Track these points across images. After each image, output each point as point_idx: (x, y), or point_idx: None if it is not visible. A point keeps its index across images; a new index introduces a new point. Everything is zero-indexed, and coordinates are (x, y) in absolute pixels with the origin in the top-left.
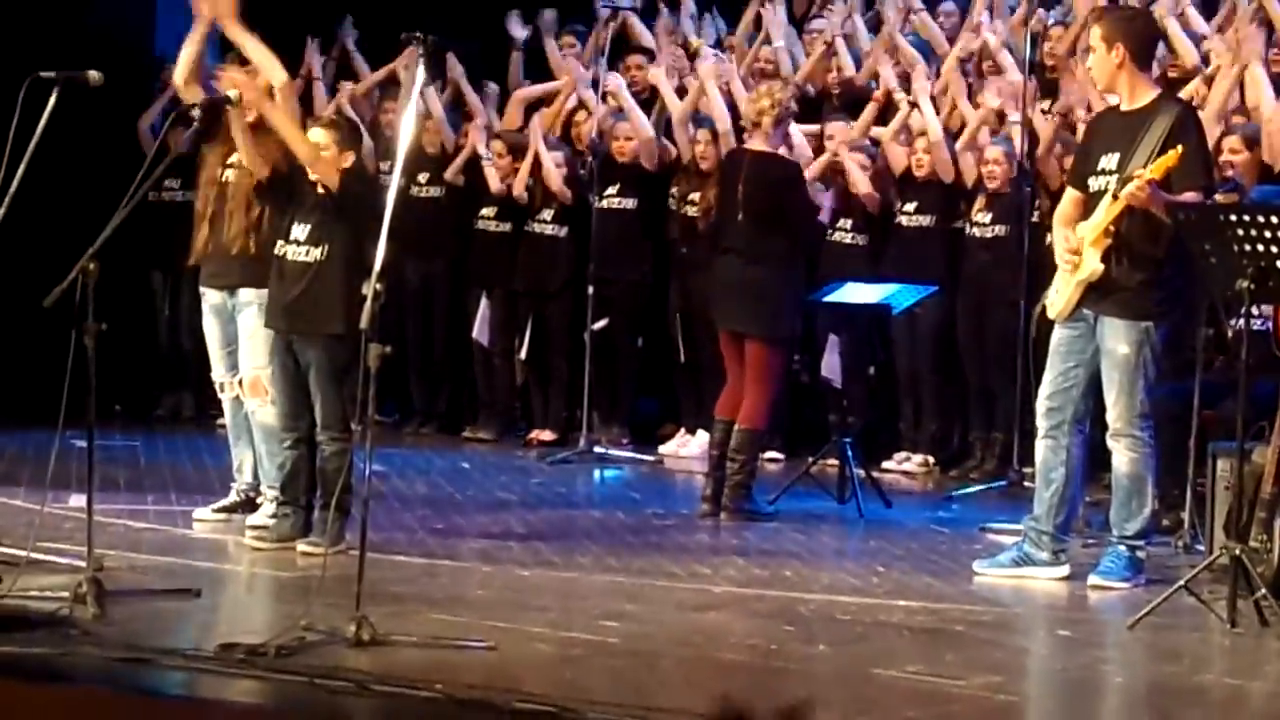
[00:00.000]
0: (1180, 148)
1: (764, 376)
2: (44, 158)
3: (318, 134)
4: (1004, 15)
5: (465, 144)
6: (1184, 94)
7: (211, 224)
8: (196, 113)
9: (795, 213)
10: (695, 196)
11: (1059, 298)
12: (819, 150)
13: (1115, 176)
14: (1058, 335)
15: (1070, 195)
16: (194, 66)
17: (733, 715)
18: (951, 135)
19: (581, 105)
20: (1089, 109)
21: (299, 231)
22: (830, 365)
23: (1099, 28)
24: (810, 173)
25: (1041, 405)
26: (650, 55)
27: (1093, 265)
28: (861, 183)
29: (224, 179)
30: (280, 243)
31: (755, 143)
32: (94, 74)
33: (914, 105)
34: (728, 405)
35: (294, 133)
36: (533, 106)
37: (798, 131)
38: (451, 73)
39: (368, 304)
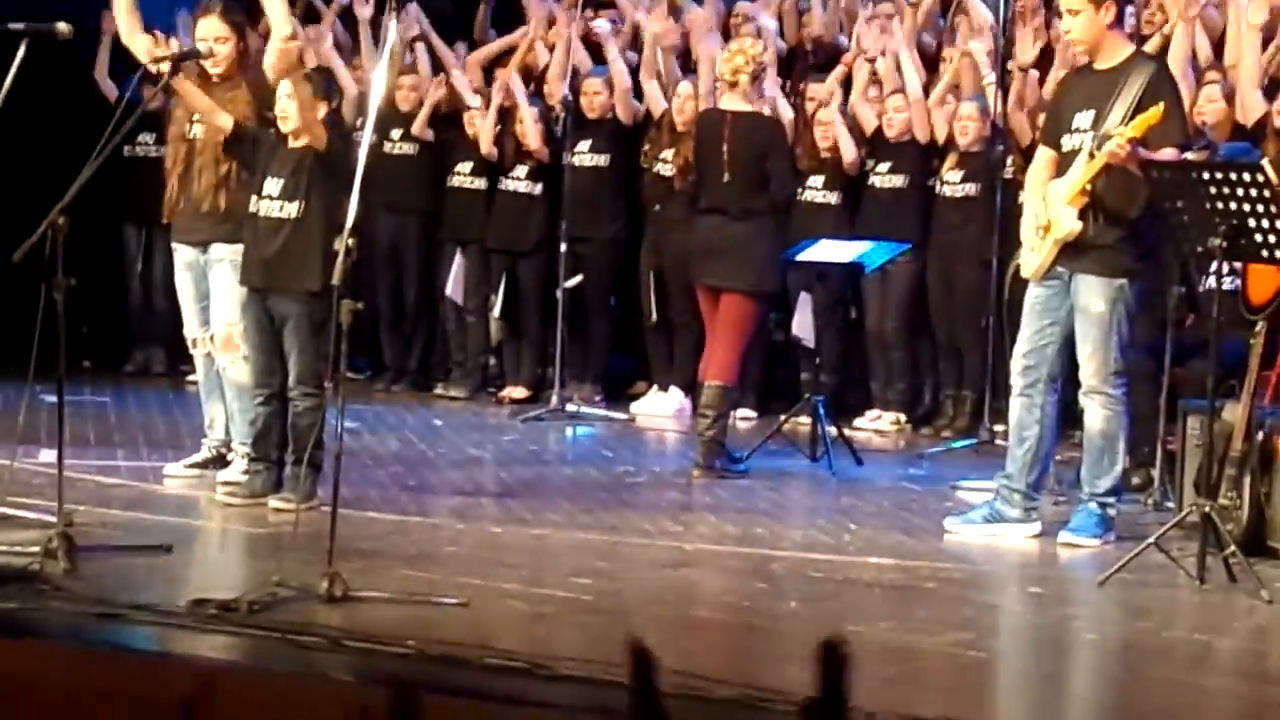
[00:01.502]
0: (1161, 105)
1: (736, 332)
2: (12, 111)
3: (288, 86)
4: None
5: (430, 98)
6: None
7: (181, 180)
8: (164, 68)
9: (779, 171)
10: (669, 154)
11: (1034, 256)
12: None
13: (1090, 134)
14: (1033, 293)
15: (1043, 154)
16: (130, 18)
17: (637, 654)
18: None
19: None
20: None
21: (272, 187)
22: (802, 324)
23: None
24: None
25: (1017, 363)
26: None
27: (1070, 224)
28: (849, 150)
29: (191, 135)
30: (254, 199)
31: (733, 101)
32: (63, 26)
33: (870, 62)
34: (708, 366)
35: (191, 93)
36: (490, 68)
37: (775, 88)
38: (420, 25)
39: (339, 260)
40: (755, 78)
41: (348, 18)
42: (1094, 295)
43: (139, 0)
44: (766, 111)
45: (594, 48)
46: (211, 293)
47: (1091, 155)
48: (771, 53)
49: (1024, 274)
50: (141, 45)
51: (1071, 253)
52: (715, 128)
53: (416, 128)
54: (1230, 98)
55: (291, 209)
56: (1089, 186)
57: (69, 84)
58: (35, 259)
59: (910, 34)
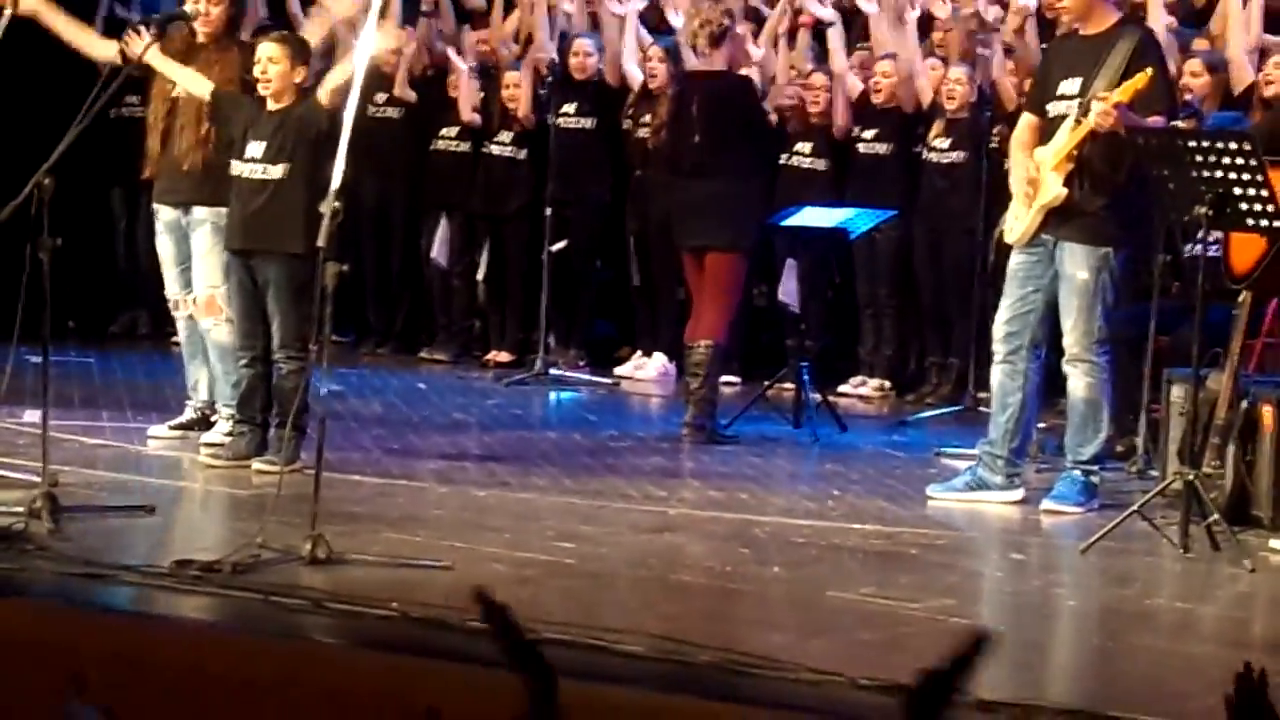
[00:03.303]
0: (1149, 71)
1: (723, 289)
2: (9, 72)
3: (267, 47)
4: None
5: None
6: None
7: (164, 138)
8: (152, 30)
9: (749, 126)
10: (648, 118)
11: (1018, 223)
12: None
13: (1076, 101)
14: (1016, 260)
15: (1027, 120)
16: (77, 35)
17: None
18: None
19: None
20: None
21: (254, 149)
22: (787, 290)
23: None
24: (787, 91)
25: (999, 330)
26: None
27: (1055, 190)
28: (841, 114)
29: (174, 94)
30: (235, 162)
31: (703, 63)
32: None
33: (827, 26)
34: (694, 330)
35: (166, 66)
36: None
37: (753, 48)
38: None
39: (325, 222)
40: (715, 39)
41: None
42: (1078, 263)
43: None
44: (745, 72)
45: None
46: (193, 255)
47: (1077, 122)
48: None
49: (1008, 239)
50: (108, 51)
51: (1056, 220)
52: (687, 91)
53: (396, 88)
54: (1213, 69)
55: (275, 171)
56: (1075, 153)
57: (59, 48)
58: (21, 220)
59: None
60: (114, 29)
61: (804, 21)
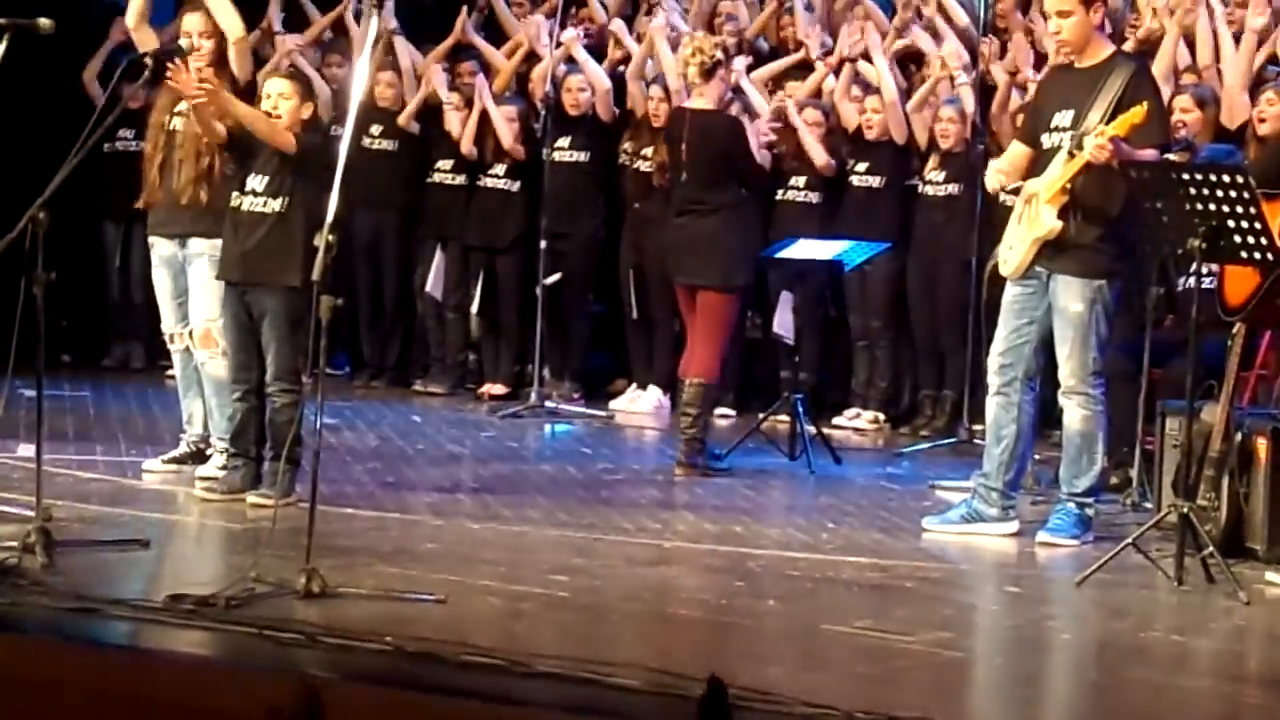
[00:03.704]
0: (1145, 105)
1: (715, 328)
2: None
3: (279, 84)
4: None
5: (421, 91)
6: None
7: (161, 170)
8: (148, 62)
9: (737, 165)
10: (649, 152)
11: (1013, 254)
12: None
13: (1070, 133)
14: (1010, 292)
15: (1018, 149)
16: (143, 8)
17: None
18: (904, 94)
19: (532, 56)
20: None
21: (256, 183)
22: (782, 322)
23: None
24: (761, 128)
25: (993, 362)
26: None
27: (1050, 223)
28: (818, 155)
29: (171, 127)
30: (236, 194)
31: (696, 100)
32: (45, 21)
33: (851, 62)
34: (688, 364)
35: (250, 113)
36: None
37: (749, 84)
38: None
39: (319, 255)
40: (706, 73)
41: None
42: (1072, 296)
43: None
44: (735, 110)
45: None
46: (190, 288)
47: (1071, 154)
48: (736, 47)
49: (1002, 271)
50: (147, 38)
51: (1050, 252)
52: (678, 127)
53: (403, 119)
54: (1203, 103)
55: (275, 204)
56: (1069, 185)
57: (54, 83)
58: (15, 253)
59: (885, 38)
60: (112, 66)
61: (828, 63)
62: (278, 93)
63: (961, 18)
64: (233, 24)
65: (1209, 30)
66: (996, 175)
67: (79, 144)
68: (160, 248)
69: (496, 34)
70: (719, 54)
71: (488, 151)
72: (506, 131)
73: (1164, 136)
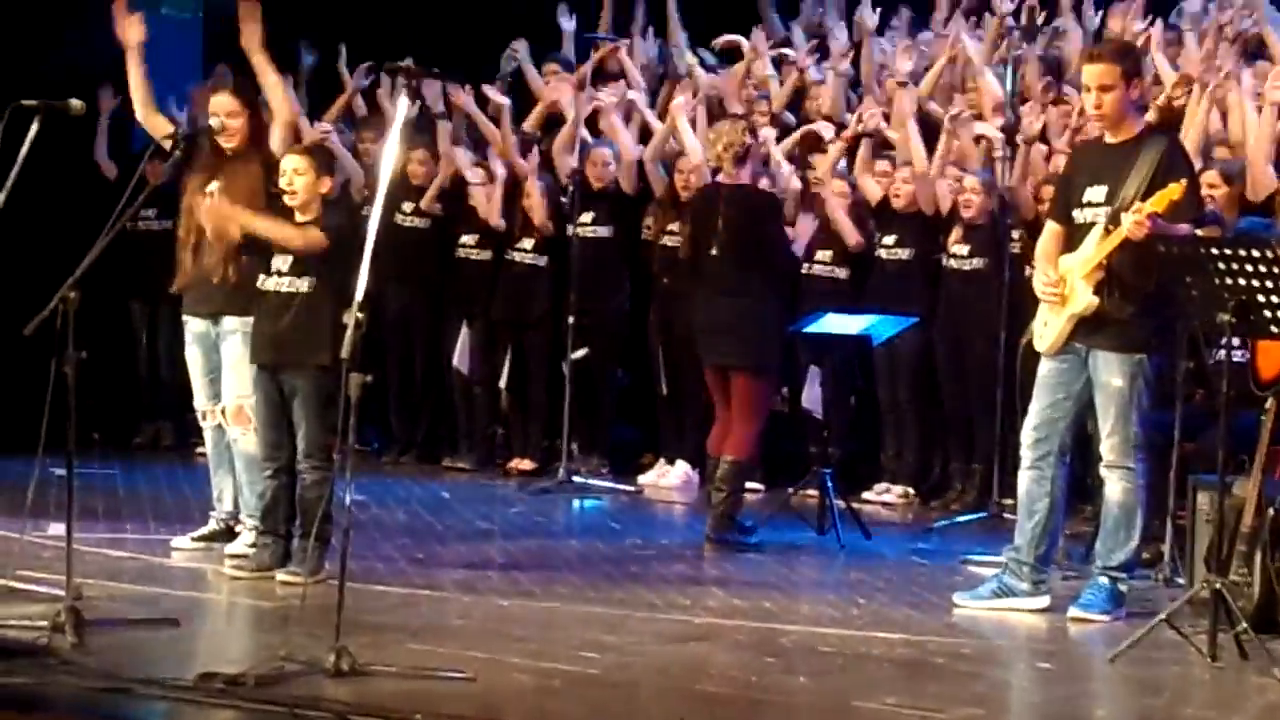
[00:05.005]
0: (1183, 181)
1: (751, 409)
2: (25, 186)
3: (294, 160)
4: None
5: (440, 175)
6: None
7: (193, 252)
8: (171, 142)
9: (771, 244)
10: (675, 227)
11: (1049, 330)
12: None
13: (1103, 209)
14: (1046, 367)
15: (1052, 229)
16: (145, 95)
17: None
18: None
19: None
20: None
21: (280, 263)
22: (811, 396)
23: (1118, 64)
24: (789, 206)
25: (1028, 436)
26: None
27: (1086, 299)
28: (850, 235)
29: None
30: (262, 276)
31: (729, 175)
32: (76, 103)
33: (869, 136)
34: (719, 442)
35: (278, 233)
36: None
37: (777, 151)
38: (456, 99)
39: (349, 333)
40: (739, 159)
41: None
42: (1113, 371)
43: (152, 75)
44: (765, 185)
45: (591, 122)
46: (223, 365)
47: (1107, 230)
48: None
49: (1037, 347)
50: (160, 125)
51: (1087, 327)
52: (711, 203)
53: (425, 203)
54: (1229, 178)
55: (301, 284)
56: (1105, 261)
57: (71, 161)
58: (46, 332)
59: (913, 106)
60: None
61: (845, 137)
62: (292, 169)
63: (997, 92)
64: (284, 107)
65: (1241, 103)
66: (1043, 276)
67: (109, 225)
68: (193, 325)
69: (523, 97)
70: (748, 138)
71: (516, 225)
72: (540, 206)
73: (1197, 212)
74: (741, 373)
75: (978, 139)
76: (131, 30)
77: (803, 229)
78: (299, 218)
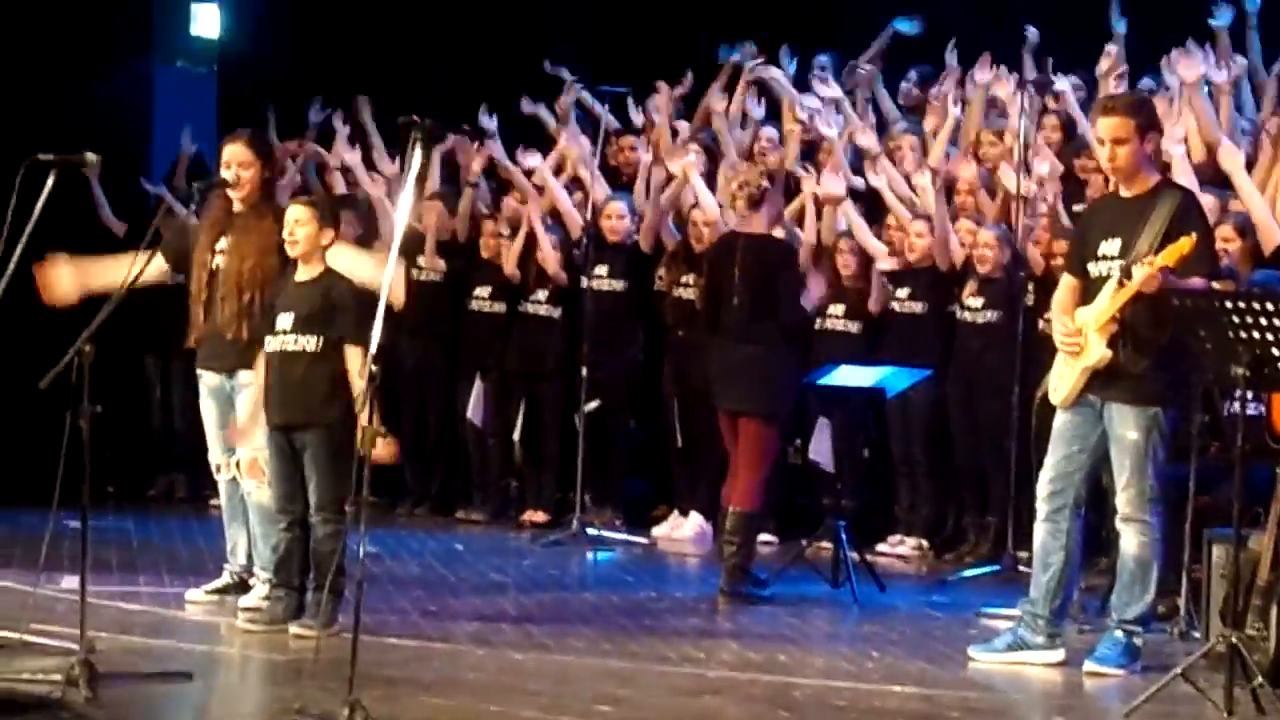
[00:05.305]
0: (1194, 235)
1: (757, 457)
2: (41, 239)
3: (297, 210)
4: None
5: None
6: None
7: (206, 307)
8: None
9: (783, 294)
10: (690, 279)
11: (1063, 384)
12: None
13: (1117, 262)
14: (1061, 420)
15: (1067, 282)
16: (84, 275)
17: None
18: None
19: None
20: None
21: (284, 321)
22: (819, 449)
23: (1134, 117)
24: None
25: (1043, 489)
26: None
27: (1100, 352)
28: (874, 301)
29: (214, 265)
30: (269, 338)
31: (746, 225)
32: (91, 156)
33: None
34: (731, 492)
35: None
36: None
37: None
38: (486, 150)
39: (364, 386)
40: (753, 202)
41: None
42: (1129, 424)
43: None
44: (779, 234)
45: (609, 174)
46: (237, 418)
47: (1120, 283)
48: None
49: (1052, 400)
50: (110, 278)
51: (1101, 381)
52: (729, 252)
53: (425, 259)
54: (1243, 232)
55: (307, 342)
56: (1118, 314)
57: (83, 215)
58: (60, 386)
59: (932, 160)
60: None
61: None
62: (294, 219)
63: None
64: (369, 272)
65: (1272, 159)
66: (1062, 326)
67: (125, 280)
68: (208, 379)
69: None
70: (765, 182)
71: (530, 277)
72: (553, 258)
73: (1211, 266)
74: (752, 419)
75: (993, 194)
76: (61, 289)
77: (814, 287)
78: (300, 273)
